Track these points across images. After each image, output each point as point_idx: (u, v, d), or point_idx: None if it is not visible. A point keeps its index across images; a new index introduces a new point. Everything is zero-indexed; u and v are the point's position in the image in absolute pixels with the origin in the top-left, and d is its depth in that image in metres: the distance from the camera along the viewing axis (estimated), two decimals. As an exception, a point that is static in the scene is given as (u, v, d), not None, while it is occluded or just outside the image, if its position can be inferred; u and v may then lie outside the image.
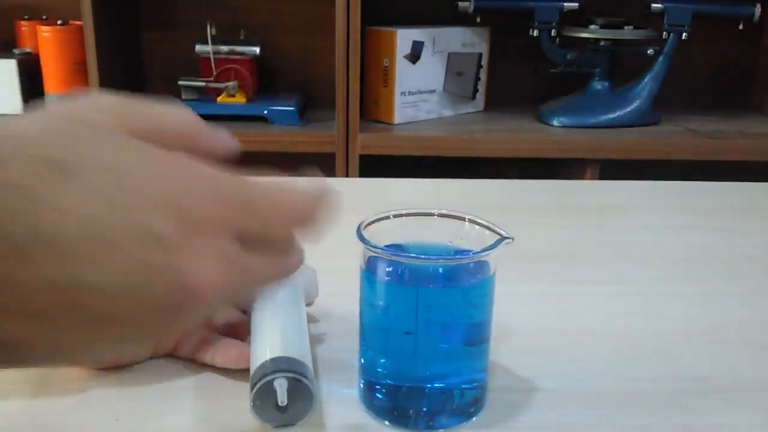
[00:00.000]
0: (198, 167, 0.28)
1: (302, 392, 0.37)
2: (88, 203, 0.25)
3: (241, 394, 0.42)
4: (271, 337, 0.40)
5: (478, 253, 0.38)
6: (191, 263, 0.26)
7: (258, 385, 0.37)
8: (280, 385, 0.36)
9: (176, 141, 0.30)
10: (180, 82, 1.50)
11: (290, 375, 0.37)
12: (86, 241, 0.24)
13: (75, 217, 0.24)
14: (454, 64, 1.54)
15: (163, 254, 0.25)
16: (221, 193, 0.28)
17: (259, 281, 0.31)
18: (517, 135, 1.47)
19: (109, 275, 0.25)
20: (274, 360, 0.38)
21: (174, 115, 0.31)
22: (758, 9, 1.46)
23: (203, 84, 1.49)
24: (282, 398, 0.36)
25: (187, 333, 0.44)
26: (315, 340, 0.48)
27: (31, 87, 1.50)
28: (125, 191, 0.25)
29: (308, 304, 0.50)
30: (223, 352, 0.43)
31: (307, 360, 0.39)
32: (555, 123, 1.52)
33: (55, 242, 0.24)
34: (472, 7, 1.46)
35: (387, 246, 0.38)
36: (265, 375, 0.37)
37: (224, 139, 0.33)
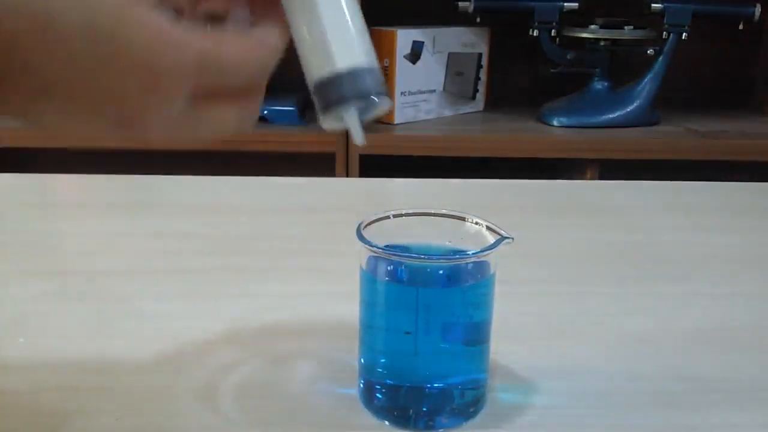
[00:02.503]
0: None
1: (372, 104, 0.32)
2: None
3: (241, 394, 0.42)
4: (336, 27, 0.31)
5: (478, 253, 0.38)
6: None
7: (325, 111, 0.31)
8: (351, 118, 0.31)
9: None
10: (180, 82, 1.49)
11: (363, 102, 0.31)
12: None
13: None
14: (454, 64, 1.53)
15: None
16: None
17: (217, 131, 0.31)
18: (517, 135, 1.47)
19: (81, 16, 0.25)
20: (350, 75, 0.30)
21: None
22: (758, 9, 1.45)
23: (203, 84, 1.49)
24: (358, 137, 0.32)
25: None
26: (315, 340, 0.48)
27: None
28: None
29: None
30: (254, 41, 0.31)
31: (372, 56, 0.32)
32: (555, 123, 1.52)
33: None
34: (472, 7, 1.46)
35: (387, 246, 0.38)
36: (332, 103, 0.31)
37: None
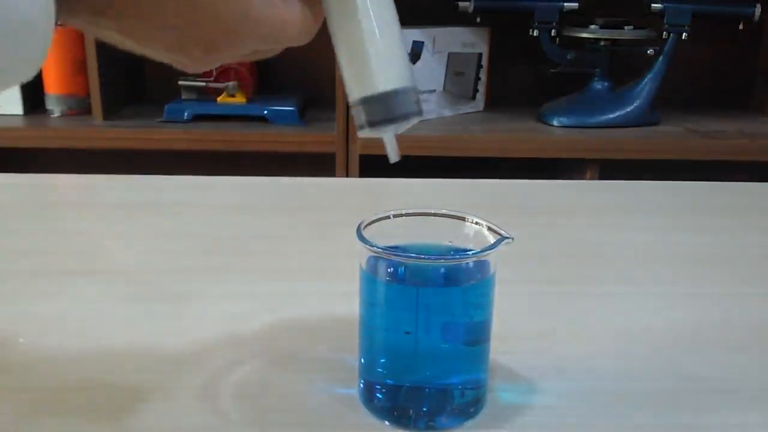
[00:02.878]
0: None
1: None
2: None
3: (241, 394, 0.42)
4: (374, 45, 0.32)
5: (478, 253, 0.38)
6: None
7: (364, 127, 0.33)
8: (389, 140, 0.33)
9: None
10: (180, 82, 1.50)
11: (401, 123, 0.32)
12: None
13: None
14: (454, 64, 1.53)
15: None
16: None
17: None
18: (517, 135, 1.47)
19: None
20: (390, 97, 0.32)
21: None
22: (758, 9, 1.45)
23: (203, 84, 1.49)
24: (394, 154, 0.34)
25: None
26: (315, 340, 0.48)
27: (31, 87, 1.50)
28: None
29: None
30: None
31: (411, 75, 0.33)
32: (555, 123, 1.52)
33: None
34: (472, 7, 1.46)
35: (387, 246, 0.38)
36: (373, 122, 0.32)
37: None
